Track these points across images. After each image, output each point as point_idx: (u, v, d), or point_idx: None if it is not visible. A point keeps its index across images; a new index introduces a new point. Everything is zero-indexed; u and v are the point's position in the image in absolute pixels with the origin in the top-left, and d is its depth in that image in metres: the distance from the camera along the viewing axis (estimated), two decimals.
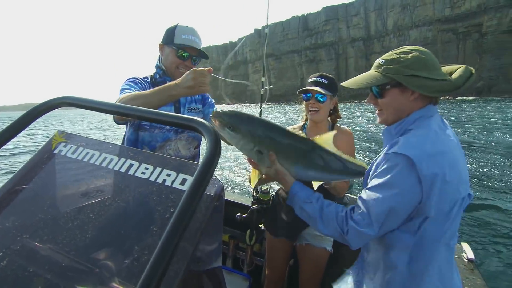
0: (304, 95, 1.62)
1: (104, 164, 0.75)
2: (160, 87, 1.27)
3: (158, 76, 1.55)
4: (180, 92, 1.24)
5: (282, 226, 1.72)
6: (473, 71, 0.96)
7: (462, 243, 1.77)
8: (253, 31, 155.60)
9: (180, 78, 1.24)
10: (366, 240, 0.93)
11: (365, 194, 0.94)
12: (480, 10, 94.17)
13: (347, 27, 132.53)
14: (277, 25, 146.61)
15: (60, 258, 0.63)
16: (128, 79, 1.49)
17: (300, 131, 1.71)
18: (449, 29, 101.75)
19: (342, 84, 1.10)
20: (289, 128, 1.79)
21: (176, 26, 1.51)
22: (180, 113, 1.52)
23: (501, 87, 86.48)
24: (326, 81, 1.58)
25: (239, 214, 2.00)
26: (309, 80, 1.64)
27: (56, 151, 0.76)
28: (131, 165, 0.75)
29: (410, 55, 0.94)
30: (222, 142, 0.68)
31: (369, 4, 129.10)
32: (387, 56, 0.99)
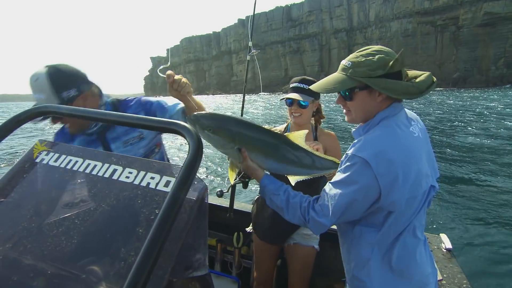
0: (286, 100, 1.64)
1: (87, 171, 0.76)
2: None
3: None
4: None
5: (269, 230, 1.73)
6: (435, 79, 1.01)
7: (440, 234, 1.86)
8: (237, 21, 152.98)
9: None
10: (324, 228, 1.02)
11: (328, 187, 1.02)
12: (457, 4, 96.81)
13: (330, 18, 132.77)
14: (261, 15, 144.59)
15: (45, 266, 0.64)
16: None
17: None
18: (428, 22, 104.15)
19: (310, 87, 1.12)
20: (272, 128, 1.83)
21: None
22: (111, 151, 1.38)
23: (475, 78, 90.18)
24: (306, 86, 1.58)
25: (219, 189, 1.98)
26: (290, 85, 1.65)
27: (38, 160, 0.76)
28: (115, 170, 0.76)
29: (376, 57, 0.96)
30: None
31: None
32: (353, 58, 1.00)
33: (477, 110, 21.60)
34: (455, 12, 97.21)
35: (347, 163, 0.97)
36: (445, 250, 1.72)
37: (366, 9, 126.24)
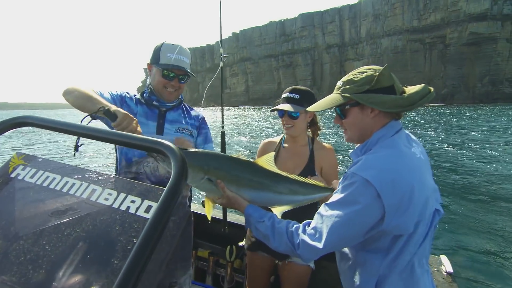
0: (278, 112, 1.57)
1: (64, 190, 0.71)
2: (98, 98, 1.19)
3: (146, 95, 1.53)
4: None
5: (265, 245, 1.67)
6: (432, 90, 0.99)
7: (440, 255, 1.77)
8: (231, 35, 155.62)
9: (114, 107, 1.16)
10: (316, 254, 0.93)
11: (323, 209, 0.96)
12: (444, 23, 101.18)
13: (323, 34, 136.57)
14: (254, 30, 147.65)
15: None
16: (117, 92, 1.49)
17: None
18: (417, 39, 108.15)
19: (307, 109, 1.16)
20: (267, 141, 1.77)
21: (162, 44, 1.44)
22: (163, 130, 1.48)
23: (462, 95, 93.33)
24: (297, 96, 1.54)
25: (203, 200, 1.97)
26: (282, 96, 1.59)
27: (13, 175, 0.70)
28: (94, 190, 0.71)
29: (364, 74, 0.97)
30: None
31: (344, 13, 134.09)
32: (345, 78, 1.03)
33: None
34: (442, 31, 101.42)
35: (346, 182, 0.92)
36: (445, 274, 1.63)
37: (357, 26, 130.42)
